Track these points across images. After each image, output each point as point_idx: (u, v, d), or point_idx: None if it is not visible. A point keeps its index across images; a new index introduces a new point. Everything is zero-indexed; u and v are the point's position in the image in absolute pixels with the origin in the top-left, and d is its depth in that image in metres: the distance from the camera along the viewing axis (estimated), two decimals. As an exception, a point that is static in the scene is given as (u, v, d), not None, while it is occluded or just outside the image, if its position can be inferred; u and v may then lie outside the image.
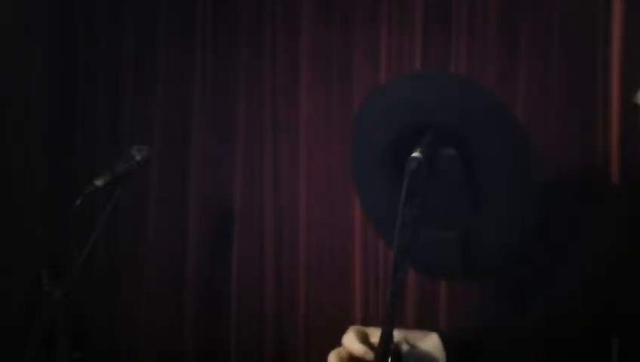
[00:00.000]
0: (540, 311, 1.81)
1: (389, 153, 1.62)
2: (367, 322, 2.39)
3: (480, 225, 1.58)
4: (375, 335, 1.43)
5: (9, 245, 2.99)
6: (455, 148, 1.54)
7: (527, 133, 1.62)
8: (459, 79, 1.90)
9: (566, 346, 1.55)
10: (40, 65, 3.06)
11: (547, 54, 2.08)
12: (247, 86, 2.68)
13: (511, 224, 1.57)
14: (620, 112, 1.94)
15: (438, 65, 2.28)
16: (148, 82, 2.89)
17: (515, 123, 1.59)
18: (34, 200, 3.02)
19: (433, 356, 1.45)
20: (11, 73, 3.02)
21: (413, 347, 1.44)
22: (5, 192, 2.99)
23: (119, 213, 2.78)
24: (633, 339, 1.56)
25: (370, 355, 1.40)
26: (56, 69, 3.06)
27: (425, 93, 1.59)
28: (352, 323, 2.40)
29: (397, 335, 1.41)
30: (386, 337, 1.32)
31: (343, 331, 1.47)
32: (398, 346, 1.41)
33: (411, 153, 1.43)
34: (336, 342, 1.52)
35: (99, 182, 2.39)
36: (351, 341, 1.43)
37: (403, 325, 1.49)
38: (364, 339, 1.43)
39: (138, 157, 2.46)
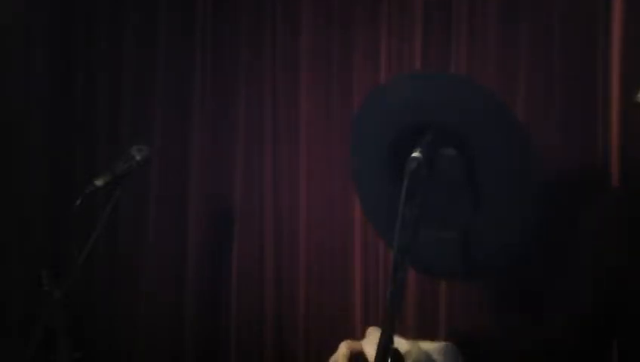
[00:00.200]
0: (540, 311, 1.81)
1: (389, 153, 1.62)
2: (367, 322, 2.39)
3: (480, 225, 1.58)
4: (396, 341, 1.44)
5: (9, 245, 2.99)
6: (455, 148, 1.54)
7: (527, 133, 1.62)
8: (459, 79, 1.90)
9: (566, 346, 1.55)
10: (40, 65, 3.05)
11: (547, 54, 2.08)
12: (247, 86, 2.68)
13: (511, 224, 1.57)
14: (619, 112, 1.94)
15: (438, 65, 2.28)
16: (148, 82, 2.89)
17: (515, 123, 1.59)
18: (34, 200, 3.02)
19: None
20: (11, 73, 3.02)
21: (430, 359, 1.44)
22: (5, 192, 2.99)
23: (119, 213, 2.78)
24: (633, 339, 1.56)
25: None
26: (56, 69, 3.06)
27: (425, 93, 1.59)
28: (352, 323, 2.42)
29: (414, 347, 1.42)
30: (386, 337, 1.32)
31: (343, 331, 1.47)
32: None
33: (411, 153, 1.43)
34: (336, 342, 1.52)
35: (99, 182, 2.40)
36: (370, 344, 1.43)
37: (403, 325, 1.49)
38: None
39: (138, 157, 2.46)
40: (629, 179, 1.90)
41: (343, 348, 1.47)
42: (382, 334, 1.33)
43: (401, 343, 1.48)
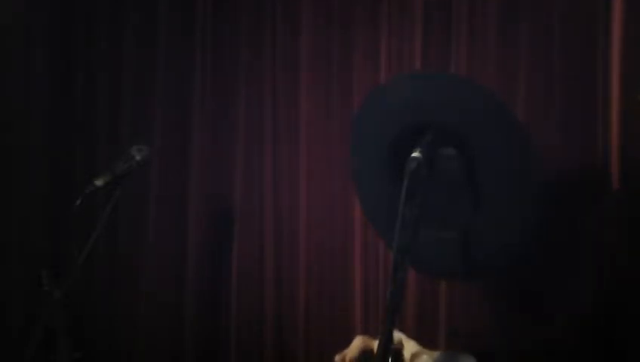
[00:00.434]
0: (540, 311, 1.81)
1: (389, 153, 1.62)
2: (367, 322, 2.39)
3: (480, 225, 1.58)
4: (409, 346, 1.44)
5: (9, 245, 2.99)
6: (455, 148, 1.54)
7: (527, 133, 1.62)
8: (459, 79, 1.91)
9: (566, 346, 1.55)
10: (40, 65, 3.05)
11: (547, 54, 2.08)
12: (247, 86, 2.68)
13: (511, 224, 1.57)
14: (620, 112, 1.94)
15: (438, 65, 2.27)
16: (148, 82, 2.89)
17: (515, 123, 1.59)
18: (34, 200, 3.02)
19: None
20: (11, 73, 3.02)
21: None
22: (5, 192, 2.99)
23: (119, 213, 2.78)
24: (633, 339, 1.56)
25: None
26: (56, 69, 3.06)
27: (425, 93, 1.59)
28: (352, 323, 2.41)
29: (424, 352, 1.42)
30: (386, 337, 1.32)
31: (343, 331, 1.47)
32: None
33: (411, 153, 1.43)
34: (336, 342, 1.52)
35: (99, 182, 2.39)
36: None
37: (403, 325, 1.49)
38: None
39: (138, 158, 2.46)
40: (629, 179, 1.90)
41: (358, 341, 1.47)
42: (382, 334, 1.33)
43: (410, 345, 1.48)
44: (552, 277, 1.92)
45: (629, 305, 1.60)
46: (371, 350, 1.44)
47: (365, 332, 1.81)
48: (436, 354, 1.47)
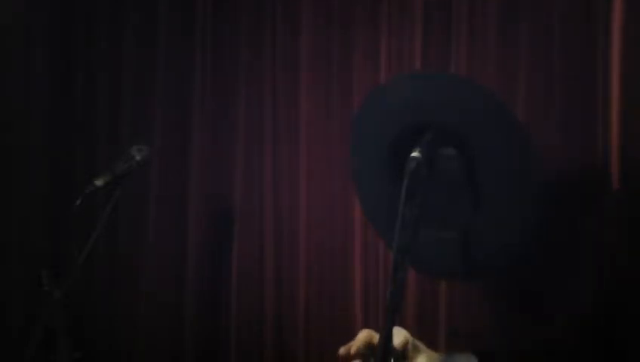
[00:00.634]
0: (540, 311, 1.81)
1: (389, 153, 1.62)
2: (367, 322, 2.39)
3: (480, 225, 1.58)
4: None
5: (9, 245, 2.99)
6: (455, 148, 1.54)
7: (527, 133, 1.62)
8: (459, 79, 1.90)
9: (566, 346, 1.55)
10: (40, 65, 3.05)
11: (547, 54, 2.08)
12: (247, 86, 2.68)
13: (511, 224, 1.57)
14: (620, 112, 1.94)
15: (438, 65, 2.27)
16: (148, 82, 2.89)
17: (515, 123, 1.59)
18: (34, 200, 3.02)
19: None
20: (11, 73, 3.02)
21: None
22: (5, 192, 2.99)
23: (119, 213, 2.78)
24: (633, 339, 1.56)
25: None
26: (56, 69, 3.06)
27: (425, 93, 1.59)
28: (352, 323, 2.41)
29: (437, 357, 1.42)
30: (386, 337, 1.32)
31: (343, 331, 1.47)
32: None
33: (411, 153, 1.43)
34: (337, 342, 1.52)
35: (99, 182, 2.40)
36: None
37: (403, 325, 1.49)
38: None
39: (138, 158, 2.47)
40: (629, 179, 1.90)
41: (363, 334, 1.47)
42: (381, 335, 1.33)
43: (415, 346, 1.48)
44: (552, 277, 1.92)
45: (629, 305, 1.60)
46: (376, 344, 1.44)
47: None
48: (436, 355, 1.47)
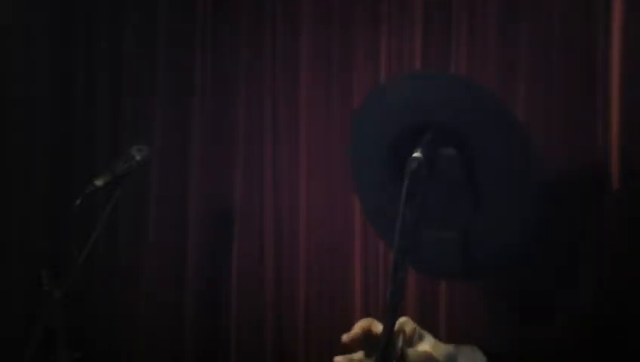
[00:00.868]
0: (540, 311, 1.81)
1: (389, 153, 1.62)
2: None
3: (480, 225, 1.58)
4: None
5: (9, 245, 2.99)
6: (455, 148, 1.54)
7: (527, 133, 1.62)
8: (459, 79, 1.91)
9: (566, 346, 1.55)
10: (40, 65, 3.05)
11: (547, 54, 2.08)
12: (247, 86, 2.68)
13: (511, 224, 1.57)
14: (620, 112, 1.94)
15: (438, 65, 2.27)
16: (148, 82, 2.89)
17: (515, 123, 1.59)
18: (34, 200, 3.02)
19: None
20: (11, 73, 3.02)
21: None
22: (5, 192, 2.99)
23: (119, 213, 2.78)
24: (633, 339, 1.56)
25: None
26: (56, 69, 3.06)
27: (425, 93, 1.59)
28: (352, 323, 2.41)
29: (445, 349, 1.42)
30: (387, 337, 1.32)
31: (343, 331, 1.47)
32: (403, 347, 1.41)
33: (411, 153, 1.43)
34: (337, 342, 1.52)
35: (99, 182, 2.40)
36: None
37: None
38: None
39: (138, 158, 2.47)
40: (629, 179, 1.90)
41: (363, 322, 1.47)
42: (382, 334, 1.33)
43: (421, 334, 1.48)
44: (552, 277, 1.92)
45: (629, 305, 1.60)
46: (375, 333, 1.44)
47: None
48: (442, 345, 1.47)
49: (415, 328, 1.45)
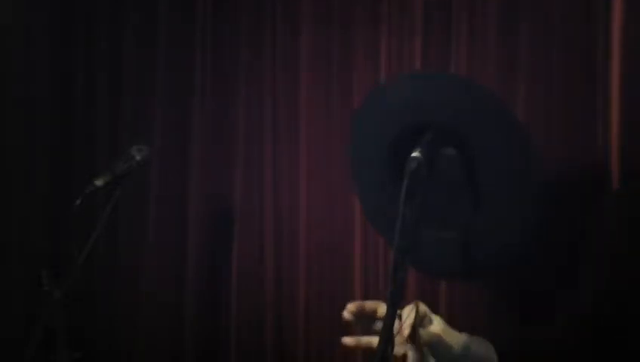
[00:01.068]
0: (540, 311, 1.81)
1: (389, 153, 1.62)
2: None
3: (480, 225, 1.58)
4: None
5: (9, 245, 2.99)
6: (455, 148, 1.54)
7: (527, 133, 1.62)
8: (459, 79, 1.91)
9: (566, 346, 1.55)
10: (40, 65, 3.05)
11: (547, 54, 2.08)
12: (247, 86, 2.68)
13: (511, 224, 1.58)
14: (620, 112, 1.94)
15: (438, 65, 2.27)
16: (148, 82, 2.89)
17: (515, 123, 1.59)
18: (34, 200, 3.02)
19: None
20: (11, 73, 3.02)
21: (467, 350, 1.44)
22: (5, 192, 2.99)
23: (119, 213, 2.78)
24: (633, 339, 1.56)
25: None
26: (56, 69, 3.06)
27: (425, 93, 1.59)
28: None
29: (458, 337, 1.42)
30: (387, 337, 1.32)
31: (343, 331, 1.47)
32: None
33: (411, 153, 1.43)
34: (337, 342, 1.52)
35: (99, 182, 2.40)
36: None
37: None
38: None
39: (138, 158, 2.47)
40: (629, 179, 1.90)
41: (368, 302, 1.48)
42: (382, 334, 1.33)
43: (435, 323, 1.48)
44: (552, 277, 1.92)
45: (629, 305, 1.59)
46: (371, 311, 1.45)
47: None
48: (455, 332, 1.47)
49: (426, 310, 1.45)
